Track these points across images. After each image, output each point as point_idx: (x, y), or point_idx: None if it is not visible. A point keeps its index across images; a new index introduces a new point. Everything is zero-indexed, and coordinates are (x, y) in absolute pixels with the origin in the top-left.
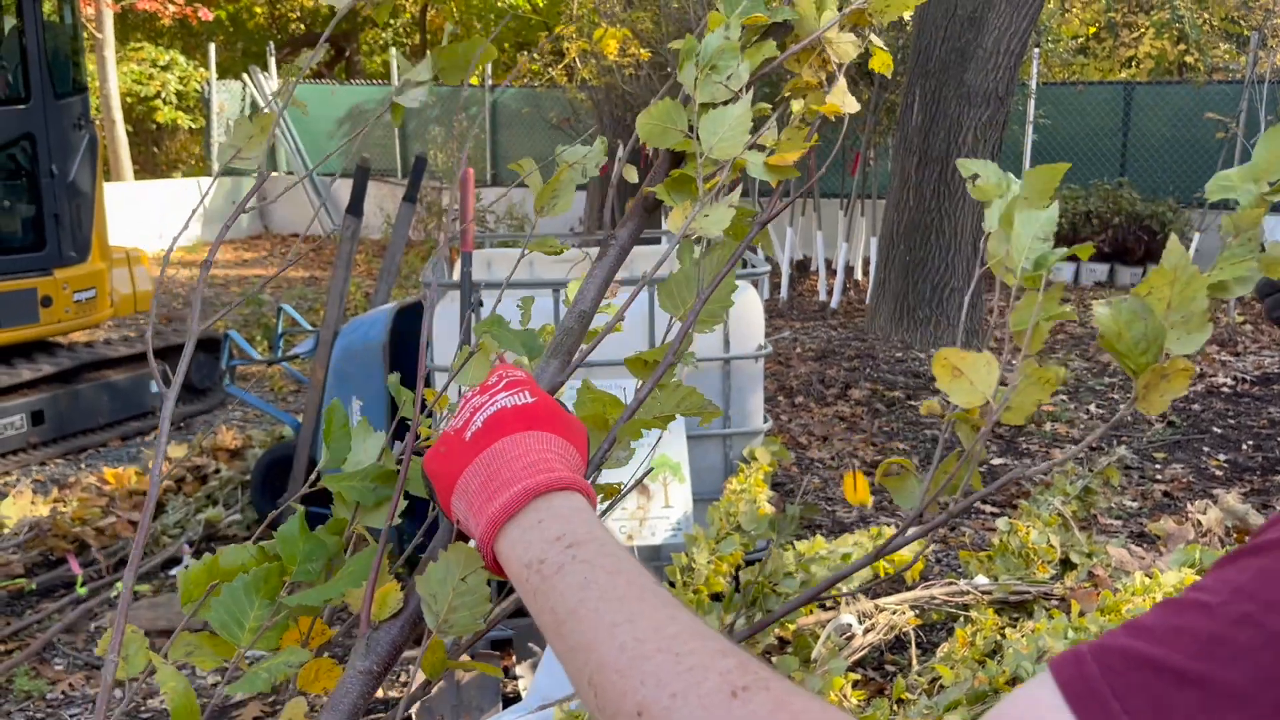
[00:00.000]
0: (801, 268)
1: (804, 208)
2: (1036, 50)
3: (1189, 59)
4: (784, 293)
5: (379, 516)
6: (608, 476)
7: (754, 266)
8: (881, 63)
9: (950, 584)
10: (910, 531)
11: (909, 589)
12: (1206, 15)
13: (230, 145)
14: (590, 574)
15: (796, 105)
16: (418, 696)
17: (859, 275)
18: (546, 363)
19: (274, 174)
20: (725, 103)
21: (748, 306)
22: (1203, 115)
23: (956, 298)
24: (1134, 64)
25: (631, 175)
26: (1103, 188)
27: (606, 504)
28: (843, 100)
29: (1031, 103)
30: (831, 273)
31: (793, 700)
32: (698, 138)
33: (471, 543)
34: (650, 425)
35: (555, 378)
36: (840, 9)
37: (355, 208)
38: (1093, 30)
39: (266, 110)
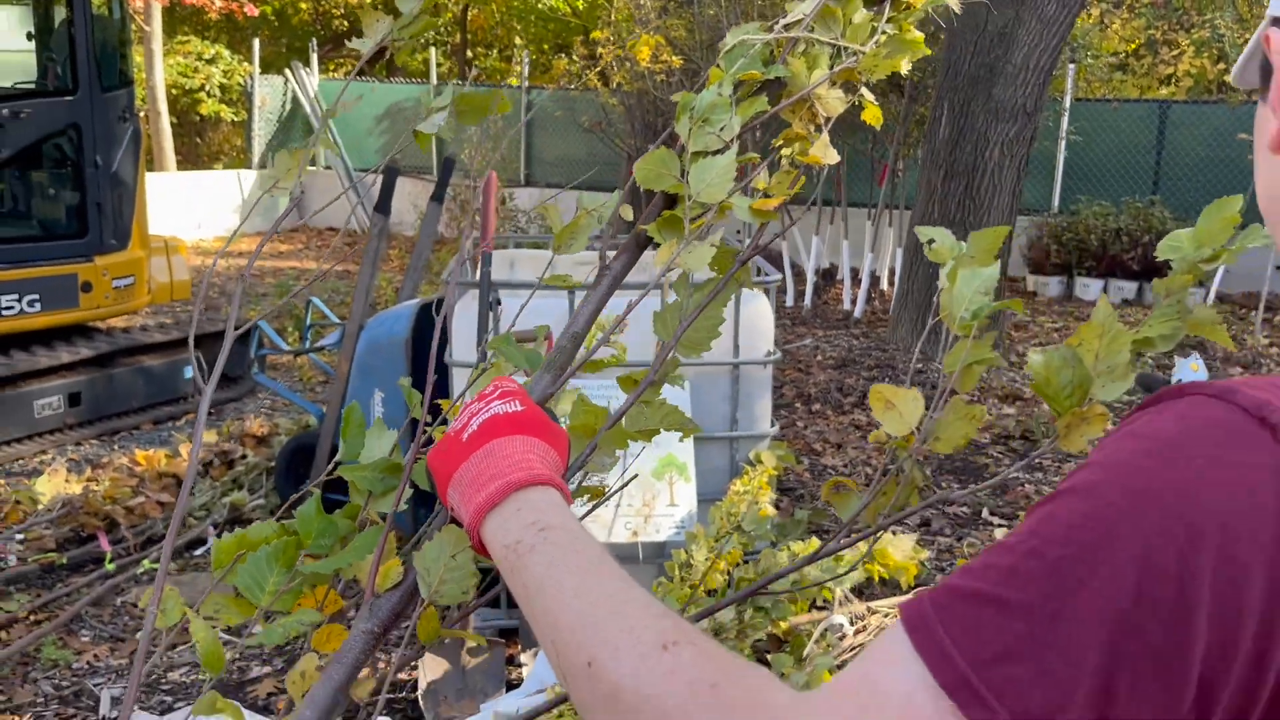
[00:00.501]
0: (827, 276)
1: (832, 216)
2: (1072, 65)
3: (1228, 78)
4: (808, 300)
5: (388, 503)
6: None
7: (766, 275)
8: (873, 115)
9: None
10: (843, 540)
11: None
12: (1247, 35)
13: (269, 176)
14: (556, 554)
15: (787, 152)
16: (409, 659)
17: (884, 286)
18: (540, 376)
19: (312, 169)
20: (717, 152)
21: (758, 314)
22: (1237, 136)
23: None
24: (1173, 82)
25: (627, 214)
26: (1134, 205)
27: (591, 504)
28: (824, 153)
29: (1065, 118)
30: (856, 282)
31: (716, 654)
32: (688, 182)
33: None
34: (635, 438)
35: (546, 389)
36: (831, 67)
37: (383, 206)
38: (1133, 47)
39: (307, 105)
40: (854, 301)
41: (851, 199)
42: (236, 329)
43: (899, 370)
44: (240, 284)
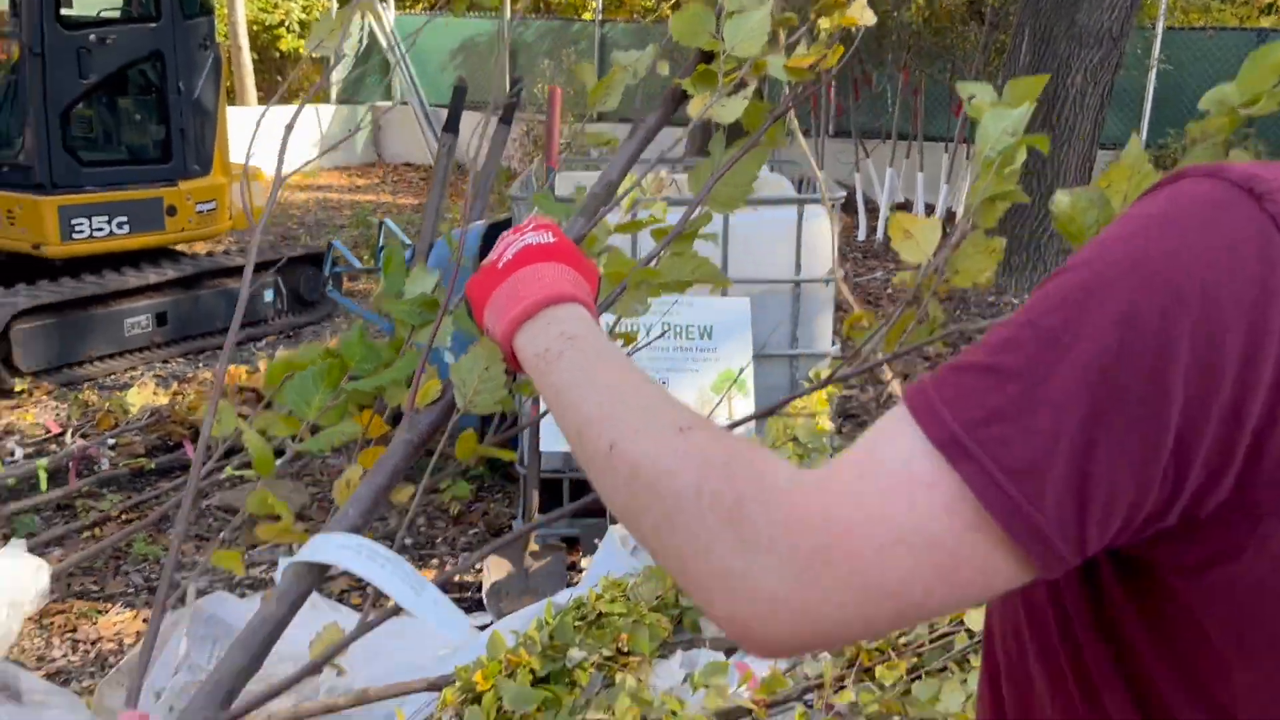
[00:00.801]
0: (902, 210)
1: (908, 150)
2: None
3: None
4: (880, 234)
5: (426, 335)
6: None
7: (830, 194)
8: None
9: None
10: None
11: None
12: None
13: (314, 36)
14: (583, 358)
15: (824, 23)
16: (448, 474)
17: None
18: (574, 220)
19: (386, 103)
20: None
21: (819, 232)
22: None
23: (1055, 243)
24: (1275, 10)
25: (663, 68)
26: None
27: (629, 349)
28: (861, 14)
29: (1156, 45)
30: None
31: (728, 438)
32: (723, 38)
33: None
34: (669, 290)
35: (580, 231)
36: None
37: (452, 126)
38: None
39: (384, 42)
40: None
41: (928, 133)
42: (308, 254)
43: (971, 303)
44: (275, 189)
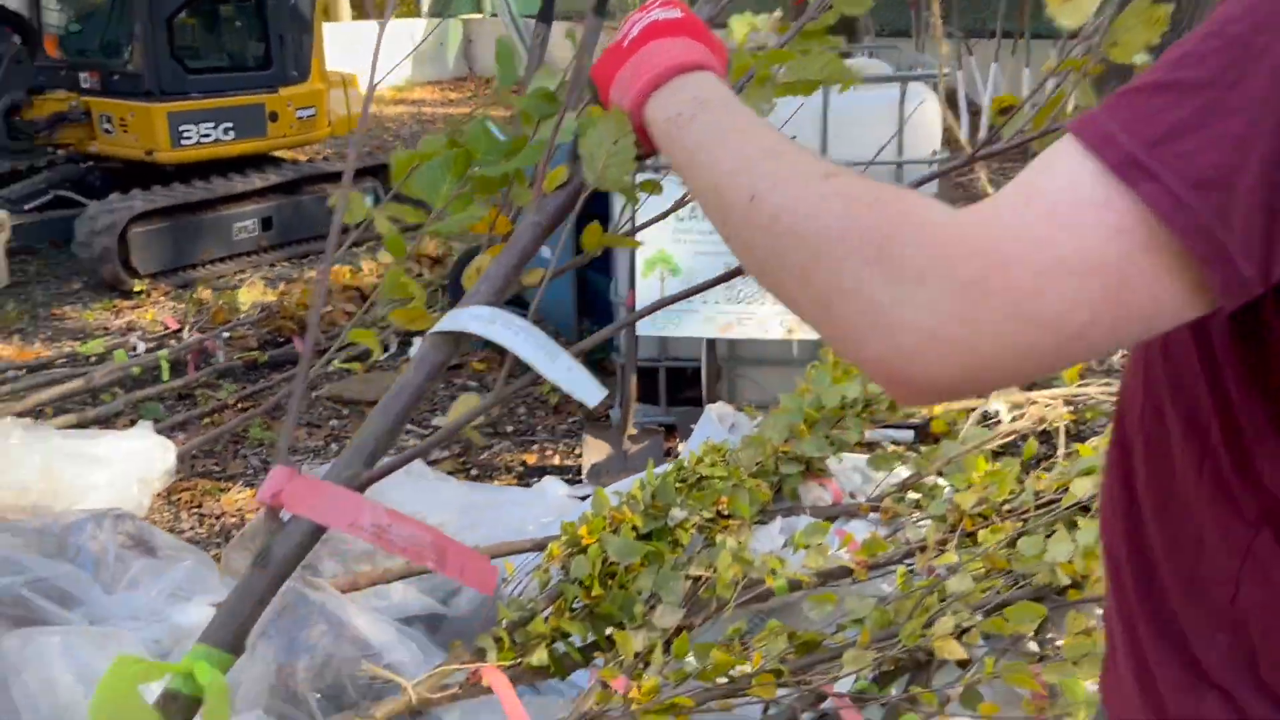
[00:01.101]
0: (1004, 111)
1: (1013, 47)
2: None
3: None
4: (984, 134)
5: (549, 127)
6: None
7: (928, 69)
8: None
9: (1108, 385)
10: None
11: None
12: None
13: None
14: (716, 117)
15: None
16: (580, 261)
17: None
18: (701, 5)
19: (478, 16)
20: None
21: (924, 111)
22: None
23: None
24: None
25: None
26: None
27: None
28: None
29: None
30: None
31: (874, 182)
32: None
33: None
34: (795, 91)
35: (708, 14)
36: None
37: (545, 15)
38: None
39: None
40: None
41: (1036, 30)
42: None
43: None
44: (369, 98)
